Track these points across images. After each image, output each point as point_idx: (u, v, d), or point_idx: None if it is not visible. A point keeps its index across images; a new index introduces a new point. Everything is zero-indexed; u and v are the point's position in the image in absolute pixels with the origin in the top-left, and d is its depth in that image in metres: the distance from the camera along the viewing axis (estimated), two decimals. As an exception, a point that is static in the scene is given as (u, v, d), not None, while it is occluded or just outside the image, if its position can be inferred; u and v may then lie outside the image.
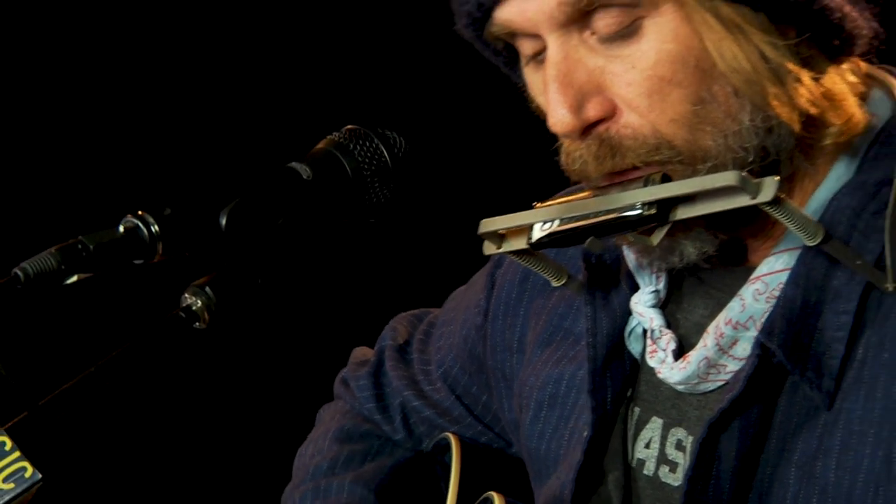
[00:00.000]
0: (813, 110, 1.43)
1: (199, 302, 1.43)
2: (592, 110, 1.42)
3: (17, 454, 1.30)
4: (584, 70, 1.42)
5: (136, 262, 1.39)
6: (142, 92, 3.16)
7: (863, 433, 1.40)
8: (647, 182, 1.41)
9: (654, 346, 1.54)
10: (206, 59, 3.14)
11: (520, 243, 1.52)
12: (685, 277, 1.57)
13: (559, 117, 1.41)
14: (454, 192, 2.68)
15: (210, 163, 3.07)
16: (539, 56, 1.45)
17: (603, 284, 1.60)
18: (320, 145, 1.53)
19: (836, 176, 1.48)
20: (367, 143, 1.51)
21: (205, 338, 1.48)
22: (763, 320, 1.46)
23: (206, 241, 1.42)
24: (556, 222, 1.47)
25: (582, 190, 1.50)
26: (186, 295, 1.44)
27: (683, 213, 1.41)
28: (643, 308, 1.56)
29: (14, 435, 1.30)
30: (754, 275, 1.48)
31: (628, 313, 1.58)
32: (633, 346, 1.58)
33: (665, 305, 1.57)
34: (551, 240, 1.48)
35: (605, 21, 1.40)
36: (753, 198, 1.36)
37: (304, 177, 1.48)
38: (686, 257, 1.47)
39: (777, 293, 1.46)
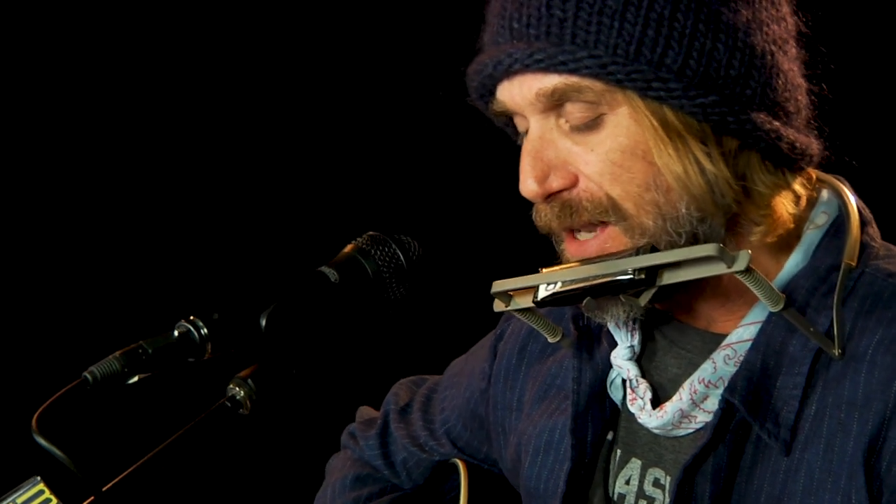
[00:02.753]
0: (740, 211, 1.61)
1: (241, 392, 1.56)
2: (555, 182, 1.62)
3: (86, 536, 1.40)
4: (553, 149, 1.62)
5: (189, 360, 1.53)
6: (186, 218, 3.36)
7: (822, 481, 1.57)
8: (637, 252, 1.58)
9: (634, 395, 1.72)
10: (241, 191, 3.36)
11: (526, 302, 1.68)
12: (656, 338, 1.75)
13: (527, 185, 1.62)
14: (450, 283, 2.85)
15: (251, 270, 3.24)
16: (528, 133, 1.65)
17: (588, 343, 1.79)
18: (346, 250, 1.68)
19: (795, 262, 1.67)
20: (386, 249, 1.67)
21: (248, 419, 1.60)
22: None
23: (248, 340, 1.56)
24: (559, 284, 1.62)
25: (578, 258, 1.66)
26: (231, 385, 1.57)
27: (669, 278, 1.58)
28: (621, 361, 1.74)
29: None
30: (725, 342, 1.66)
31: (609, 366, 1.77)
32: (615, 394, 1.77)
33: (640, 359, 1.75)
34: (554, 299, 1.63)
35: (574, 113, 1.60)
36: (729, 267, 1.53)
37: (332, 280, 1.64)
38: (615, 317, 1.65)
39: (743, 358, 1.64)
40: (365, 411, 2.23)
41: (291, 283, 1.62)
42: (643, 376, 1.74)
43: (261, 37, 3.33)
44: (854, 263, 1.64)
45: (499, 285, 1.69)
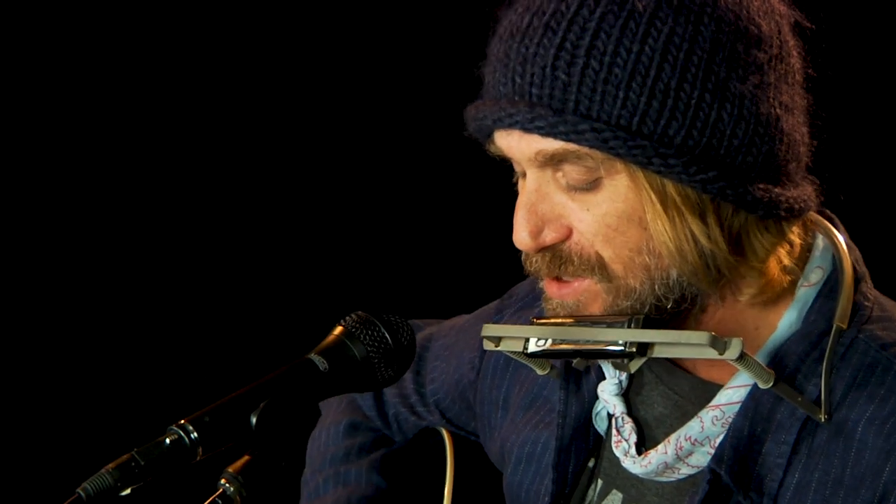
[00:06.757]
0: (732, 274, 1.63)
1: (231, 488, 1.54)
2: (549, 236, 1.63)
3: None
4: (549, 202, 1.62)
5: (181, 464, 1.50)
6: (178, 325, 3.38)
7: None
8: (630, 322, 1.60)
9: (619, 437, 1.73)
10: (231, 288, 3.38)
11: (516, 347, 1.70)
12: (644, 371, 1.76)
13: (520, 238, 1.63)
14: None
15: (239, 358, 3.26)
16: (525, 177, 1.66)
17: (576, 373, 1.80)
18: (335, 332, 1.66)
19: (788, 323, 1.68)
20: (374, 331, 1.64)
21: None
22: (717, 441, 1.66)
23: (239, 439, 1.54)
24: (549, 342, 1.65)
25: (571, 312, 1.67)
26: (222, 481, 1.55)
27: (660, 352, 1.60)
28: (608, 396, 1.76)
29: None
30: (714, 402, 1.67)
31: (595, 398, 1.78)
32: (599, 425, 1.79)
33: (626, 393, 1.76)
34: (543, 354, 1.66)
35: (572, 174, 1.61)
36: (721, 354, 1.56)
37: (321, 368, 1.61)
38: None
39: (731, 420, 1.65)
40: None
41: (280, 377, 1.59)
42: (629, 412, 1.74)
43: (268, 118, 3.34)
44: (845, 326, 1.65)
45: (490, 329, 1.71)
